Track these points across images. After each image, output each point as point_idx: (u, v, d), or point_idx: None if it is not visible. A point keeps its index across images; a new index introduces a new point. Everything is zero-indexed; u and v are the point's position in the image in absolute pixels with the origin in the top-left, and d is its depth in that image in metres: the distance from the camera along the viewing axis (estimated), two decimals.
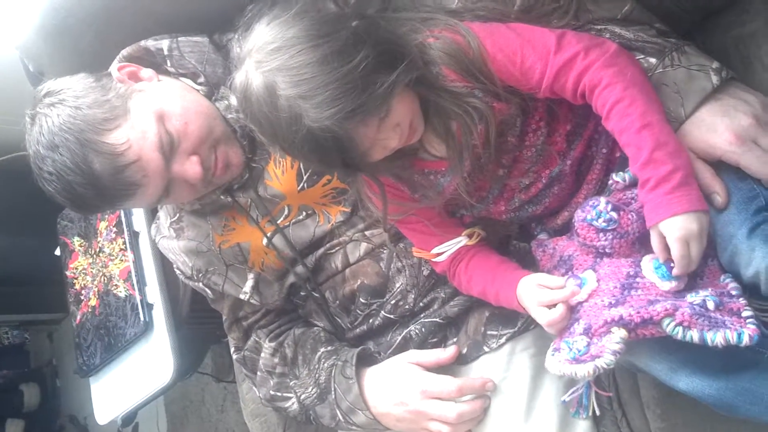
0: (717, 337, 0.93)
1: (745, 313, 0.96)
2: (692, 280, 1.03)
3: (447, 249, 1.23)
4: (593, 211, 1.05)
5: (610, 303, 1.01)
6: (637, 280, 1.03)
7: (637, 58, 1.08)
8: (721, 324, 0.94)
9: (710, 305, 0.96)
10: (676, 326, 0.95)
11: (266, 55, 0.96)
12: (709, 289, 0.99)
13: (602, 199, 1.06)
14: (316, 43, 0.94)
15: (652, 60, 1.08)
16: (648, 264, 1.04)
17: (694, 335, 0.94)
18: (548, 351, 1.05)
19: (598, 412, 1.24)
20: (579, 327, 1.02)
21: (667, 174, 0.97)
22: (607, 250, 1.07)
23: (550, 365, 1.02)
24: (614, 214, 1.04)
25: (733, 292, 0.99)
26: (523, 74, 1.04)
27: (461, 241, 1.23)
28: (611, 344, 0.97)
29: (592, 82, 1.01)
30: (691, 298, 0.99)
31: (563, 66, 1.03)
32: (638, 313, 0.97)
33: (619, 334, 0.97)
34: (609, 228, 1.05)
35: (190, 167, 1.25)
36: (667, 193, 0.97)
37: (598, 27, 1.11)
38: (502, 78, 1.04)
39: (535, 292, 1.10)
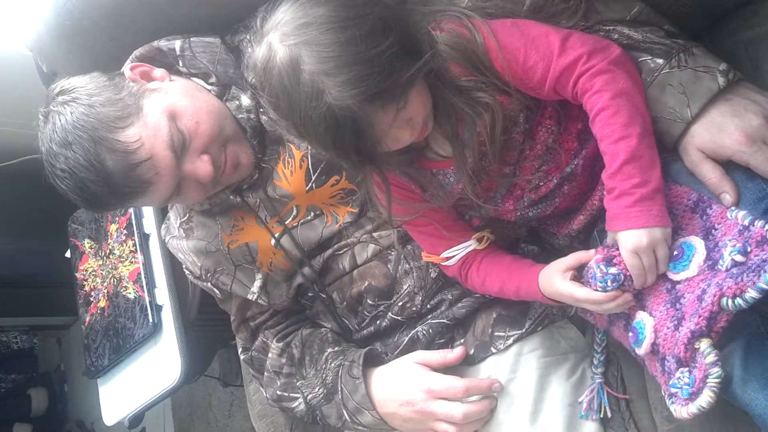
0: (767, 278, 0.92)
1: None
2: (708, 235, 1.01)
3: (456, 253, 1.24)
4: (598, 283, 1.05)
5: (675, 325, 1.00)
6: (677, 287, 1.02)
7: (644, 58, 1.09)
8: (761, 264, 0.93)
9: (739, 258, 0.95)
10: (733, 301, 0.94)
11: (294, 29, 0.95)
12: (728, 242, 0.98)
13: (593, 264, 1.06)
14: (345, 24, 0.94)
15: (659, 60, 1.08)
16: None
17: (751, 294, 0.92)
18: (667, 402, 1.03)
19: (609, 414, 1.24)
20: (671, 364, 1.01)
21: (631, 187, 0.99)
22: (637, 289, 1.06)
23: (679, 414, 0.99)
24: (613, 270, 1.04)
25: (746, 222, 0.97)
26: (525, 72, 1.05)
27: (470, 245, 1.23)
28: (708, 359, 0.96)
29: (584, 87, 1.03)
30: (722, 265, 0.97)
31: (565, 69, 1.03)
32: (700, 317, 0.96)
33: (705, 346, 0.96)
34: (621, 281, 1.04)
35: (201, 166, 1.26)
36: (626, 207, 1.00)
37: (607, 28, 1.12)
38: (504, 75, 1.05)
39: (560, 280, 1.10)
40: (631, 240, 1.00)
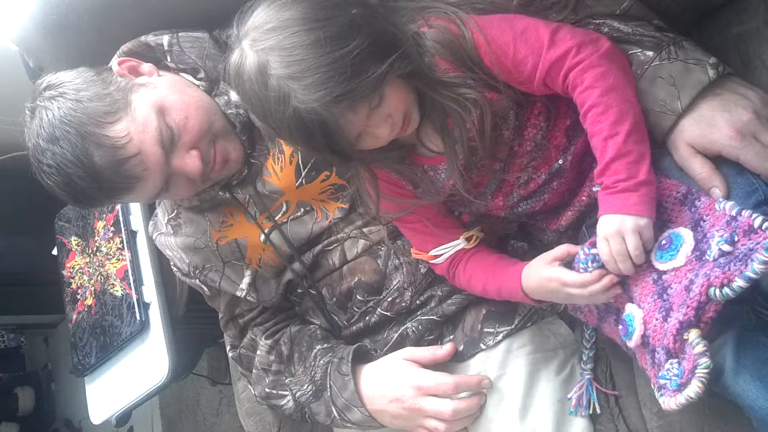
0: (754, 267, 0.91)
1: (756, 223, 0.94)
2: (696, 226, 1.01)
3: (445, 252, 1.24)
4: (581, 264, 1.06)
5: (663, 316, 1.00)
6: (663, 278, 1.02)
7: (634, 51, 1.09)
8: (748, 253, 0.93)
9: (726, 248, 0.95)
10: (721, 290, 0.93)
11: (261, 35, 0.97)
12: (715, 232, 0.98)
13: (579, 249, 1.07)
14: (312, 27, 0.94)
15: (649, 53, 1.08)
16: (653, 255, 1.03)
17: (739, 283, 0.92)
18: (656, 395, 1.02)
19: (598, 410, 1.24)
20: (661, 356, 1.01)
21: (614, 182, 1.00)
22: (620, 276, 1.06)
23: (667, 405, 0.98)
24: (594, 250, 1.04)
25: (733, 213, 0.97)
26: (515, 66, 1.05)
27: (459, 244, 1.23)
28: (696, 349, 0.95)
29: (575, 82, 1.03)
30: (710, 255, 0.97)
31: (555, 62, 1.03)
32: (688, 307, 0.96)
33: (694, 336, 0.96)
34: (601, 262, 1.04)
35: (190, 161, 1.25)
36: (607, 194, 1.01)
37: (597, 21, 1.11)
38: (493, 70, 1.05)
39: (547, 268, 1.10)
40: (603, 225, 1.01)
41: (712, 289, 0.94)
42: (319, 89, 0.93)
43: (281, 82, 0.95)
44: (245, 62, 0.98)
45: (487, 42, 1.04)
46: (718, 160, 1.04)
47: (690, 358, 0.96)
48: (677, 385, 0.97)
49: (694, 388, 0.94)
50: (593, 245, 1.05)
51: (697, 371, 0.94)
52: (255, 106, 1.01)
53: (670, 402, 0.97)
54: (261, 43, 0.97)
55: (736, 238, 0.95)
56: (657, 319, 1.01)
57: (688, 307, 0.96)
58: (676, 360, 0.98)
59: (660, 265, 1.02)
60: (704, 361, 0.94)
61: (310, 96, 0.93)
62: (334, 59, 0.93)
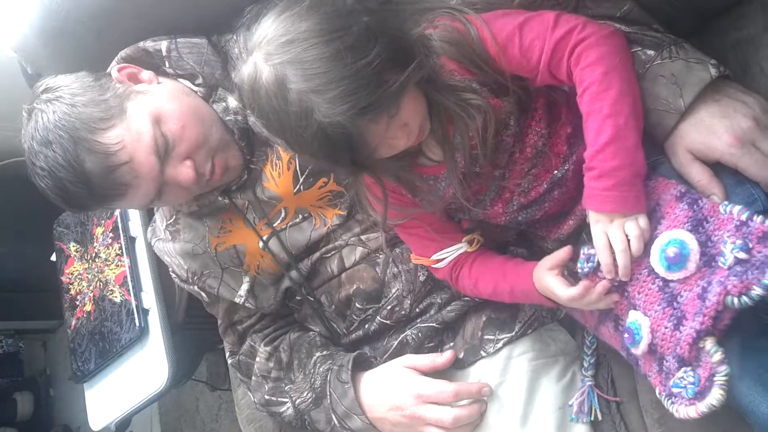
0: None
1: None
2: (698, 227, 1.00)
3: (447, 255, 1.23)
4: (579, 264, 1.06)
5: (674, 325, 0.99)
6: (671, 285, 1.01)
7: (636, 50, 1.08)
8: (765, 261, 0.93)
9: (742, 256, 0.94)
10: (739, 299, 0.93)
11: (277, 48, 0.94)
12: (727, 239, 0.97)
13: (579, 250, 1.07)
14: (330, 38, 0.92)
15: (650, 52, 1.07)
16: (657, 265, 1.02)
17: (757, 291, 0.92)
18: (663, 401, 1.02)
19: (600, 417, 1.23)
20: (671, 364, 1.00)
21: (612, 169, 0.99)
22: (621, 279, 1.05)
23: (684, 414, 0.97)
24: (592, 251, 1.04)
25: (743, 218, 0.96)
26: (523, 54, 1.03)
27: (461, 247, 1.22)
28: (715, 357, 0.95)
29: (578, 58, 1.01)
30: (724, 263, 0.96)
31: (561, 39, 1.02)
32: (705, 316, 0.95)
33: (710, 344, 0.95)
34: (595, 263, 1.04)
35: (184, 171, 1.25)
36: (604, 189, 1.00)
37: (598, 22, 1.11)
38: (500, 63, 1.04)
39: (546, 276, 1.10)
40: (604, 221, 1.01)
41: (729, 298, 0.94)
42: (344, 102, 0.90)
43: (302, 96, 0.92)
44: (261, 77, 0.95)
45: (493, 35, 1.03)
46: (717, 170, 1.03)
47: (707, 366, 0.95)
48: (694, 393, 0.96)
49: (716, 396, 0.93)
50: (592, 246, 1.05)
51: (716, 378, 0.94)
52: (272, 120, 0.97)
53: (688, 410, 0.96)
54: (277, 56, 0.93)
55: (750, 245, 0.94)
56: (666, 328, 1.00)
57: (704, 316, 0.95)
58: (689, 368, 0.98)
59: (669, 275, 1.01)
60: (724, 368, 0.94)
61: (334, 109, 0.90)
62: (356, 70, 0.91)
